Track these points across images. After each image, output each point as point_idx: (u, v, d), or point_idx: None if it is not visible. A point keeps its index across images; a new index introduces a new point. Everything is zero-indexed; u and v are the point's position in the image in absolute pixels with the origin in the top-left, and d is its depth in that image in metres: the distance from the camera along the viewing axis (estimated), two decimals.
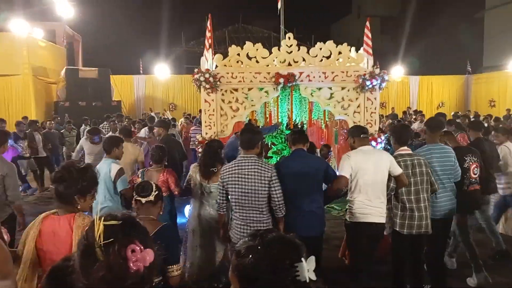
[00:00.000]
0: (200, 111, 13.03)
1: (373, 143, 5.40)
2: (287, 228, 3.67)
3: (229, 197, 3.71)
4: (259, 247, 1.19)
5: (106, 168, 4.39)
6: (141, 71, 21.07)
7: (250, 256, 1.17)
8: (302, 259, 1.16)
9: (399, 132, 4.22)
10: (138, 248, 1.08)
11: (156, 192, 2.84)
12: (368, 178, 3.78)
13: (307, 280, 1.15)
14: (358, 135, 4.04)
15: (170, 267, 2.56)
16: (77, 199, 2.33)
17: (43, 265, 2.23)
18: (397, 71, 20.25)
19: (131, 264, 1.06)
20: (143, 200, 2.79)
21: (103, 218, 1.14)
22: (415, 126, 11.13)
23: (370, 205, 3.80)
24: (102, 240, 1.08)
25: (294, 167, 3.82)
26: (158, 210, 2.86)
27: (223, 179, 3.65)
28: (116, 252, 1.07)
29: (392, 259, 4.10)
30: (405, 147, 4.08)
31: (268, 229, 1.35)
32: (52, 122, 11.64)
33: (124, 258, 1.07)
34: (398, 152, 4.04)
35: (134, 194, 2.84)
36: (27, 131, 9.21)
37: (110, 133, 8.72)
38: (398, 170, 3.80)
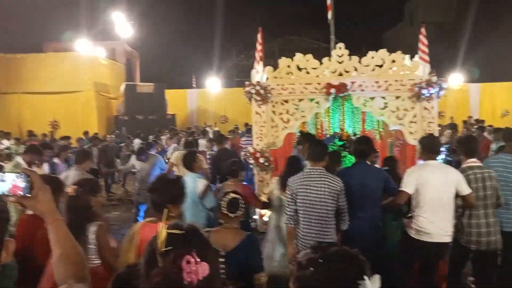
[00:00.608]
0: (246, 124, 13.27)
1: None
2: (346, 239, 3.62)
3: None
4: (320, 260, 1.16)
5: (192, 184, 4.45)
6: (194, 85, 21.78)
7: (311, 268, 1.15)
8: (365, 277, 1.11)
9: (467, 143, 4.05)
10: (193, 260, 1.08)
11: (244, 207, 3.00)
12: (434, 195, 3.58)
13: None
14: (428, 149, 3.82)
15: (256, 275, 2.73)
16: (170, 207, 2.55)
17: None
18: (456, 79, 19.26)
19: (185, 275, 1.07)
20: (232, 215, 2.91)
21: (167, 226, 1.17)
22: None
23: (434, 223, 3.58)
24: (163, 248, 1.11)
25: (355, 179, 3.76)
26: (239, 219, 3.01)
27: (292, 190, 3.66)
28: (172, 260, 1.09)
29: (450, 272, 3.90)
30: (474, 159, 3.89)
31: (331, 242, 1.32)
32: (113, 136, 12.30)
33: (179, 268, 1.08)
34: (467, 164, 3.85)
35: (222, 208, 2.95)
36: (87, 146, 9.81)
37: (174, 146, 9.08)
38: (466, 190, 3.59)
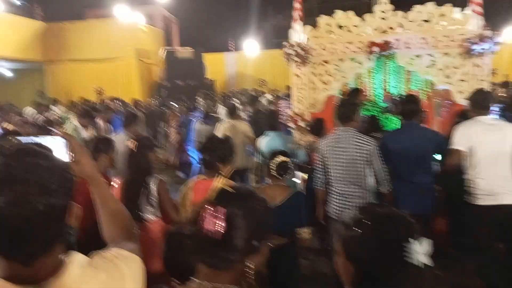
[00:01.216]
0: (288, 87, 13.06)
1: None
2: (396, 205, 3.51)
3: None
4: (368, 222, 1.16)
5: (279, 141, 4.67)
6: (231, 48, 21.59)
7: (359, 230, 1.15)
8: (412, 240, 1.09)
9: None
10: (213, 214, 1.13)
11: (292, 168, 3.21)
12: (490, 152, 3.30)
13: (418, 263, 1.08)
14: (478, 105, 3.51)
15: (298, 229, 2.90)
16: (218, 165, 2.76)
17: None
18: (510, 33, 17.76)
19: (204, 224, 1.14)
20: (281, 178, 3.09)
21: (225, 183, 1.27)
22: None
23: (495, 183, 3.29)
24: (212, 198, 1.20)
25: (403, 141, 3.60)
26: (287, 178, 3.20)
27: (321, 153, 3.60)
28: (203, 205, 1.19)
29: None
30: None
31: (381, 204, 1.30)
32: (156, 101, 12.59)
33: (203, 217, 1.16)
34: None
35: (271, 171, 3.07)
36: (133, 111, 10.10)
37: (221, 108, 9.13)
38: None
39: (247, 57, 20.55)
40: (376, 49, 5.07)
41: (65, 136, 1.26)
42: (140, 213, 2.91)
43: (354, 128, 3.50)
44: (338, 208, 3.51)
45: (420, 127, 3.73)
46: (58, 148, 1.19)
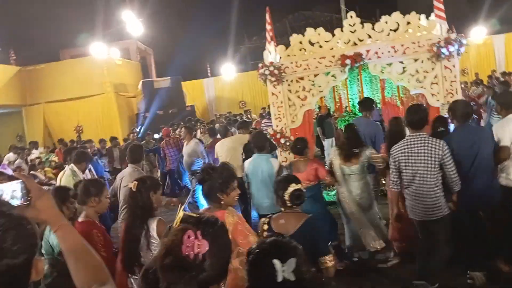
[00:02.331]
0: (264, 108, 13.20)
1: None
2: (464, 202, 3.69)
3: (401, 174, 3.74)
4: (253, 250, 1.35)
5: (267, 164, 4.62)
6: (209, 74, 21.78)
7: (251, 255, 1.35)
8: (276, 260, 1.26)
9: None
10: (193, 236, 1.16)
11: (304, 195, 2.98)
12: None
13: (281, 279, 1.25)
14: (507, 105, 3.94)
15: (321, 258, 2.67)
16: (219, 195, 2.64)
17: None
18: (478, 33, 18.39)
19: (183, 247, 1.15)
20: (296, 207, 2.92)
21: (183, 209, 1.30)
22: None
23: None
24: (176, 224, 1.23)
25: (464, 142, 3.77)
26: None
27: (394, 158, 3.72)
28: (175, 233, 1.19)
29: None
30: None
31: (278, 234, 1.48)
32: (134, 134, 12.48)
33: (180, 241, 1.16)
34: None
35: (285, 200, 2.90)
36: (107, 148, 10.07)
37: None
38: None
39: (225, 80, 20.75)
40: (348, 61, 5.17)
41: (22, 177, 1.22)
42: (141, 258, 2.78)
43: (425, 133, 3.67)
44: (413, 209, 3.70)
45: (475, 127, 3.96)
46: (18, 193, 1.15)
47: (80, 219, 3.06)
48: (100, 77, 16.38)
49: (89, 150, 8.76)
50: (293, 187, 2.87)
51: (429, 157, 3.52)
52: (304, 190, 2.95)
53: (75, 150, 6.03)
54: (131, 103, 18.48)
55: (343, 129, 4.63)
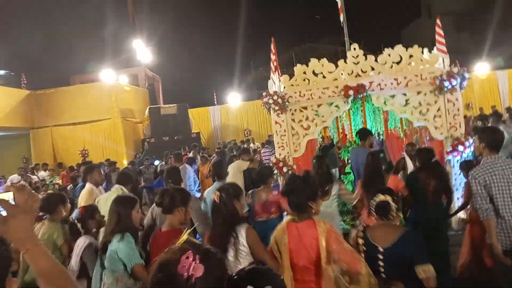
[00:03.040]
0: (269, 136, 13.31)
1: (460, 147, 4.98)
2: None
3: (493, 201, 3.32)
4: (232, 277, 1.32)
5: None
6: (215, 102, 22.04)
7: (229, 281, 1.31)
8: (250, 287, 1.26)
9: None
10: (192, 258, 1.17)
11: (396, 206, 2.81)
12: None
13: None
14: None
15: (419, 266, 2.57)
16: (311, 204, 2.59)
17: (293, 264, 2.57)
18: (482, 68, 18.62)
19: (179, 267, 1.16)
20: (383, 220, 2.80)
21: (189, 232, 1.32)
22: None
23: None
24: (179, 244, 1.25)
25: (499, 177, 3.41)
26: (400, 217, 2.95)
27: (480, 182, 3.32)
28: (175, 251, 1.21)
29: None
30: None
31: (257, 263, 1.49)
32: (135, 160, 12.53)
33: (178, 259, 1.18)
34: None
35: (372, 211, 2.83)
36: (106, 172, 10.10)
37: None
38: None
39: (231, 108, 20.96)
40: (351, 92, 5.23)
41: (13, 190, 1.24)
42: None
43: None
44: (506, 237, 3.27)
45: (508, 160, 3.76)
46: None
47: (163, 228, 3.02)
48: (108, 102, 16.64)
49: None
50: (380, 197, 2.75)
51: None
52: (392, 203, 2.75)
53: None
54: (137, 129, 18.67)
55: (345, 158, 4.56)
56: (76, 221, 3.59)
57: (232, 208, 2.83)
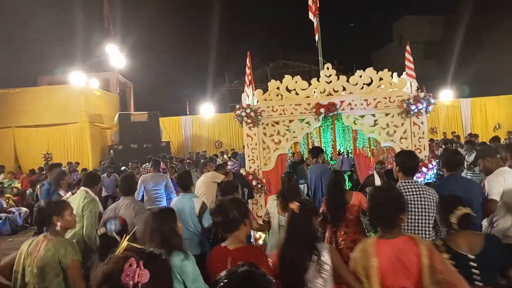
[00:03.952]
0: (232, 149, 13.39)
1: (424, 169, 5.15)
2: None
3: None
4: (222, 277, 1.31)
5: (188, 203, 4.40)
6: (187, 112, 21.90)
7: (215, 286, 1.30)
8: None
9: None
10: (135, 265, 1.14)
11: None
12: None
13: None
14: (494, 155, 4.05)
15: (509, 270, 2.57)
16: (402, 217, 2.40)
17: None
18: (446, 95, 19.54)
19: (123, 276, 1.13)
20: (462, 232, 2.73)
21: (127, 238, 1.27)
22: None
23: None
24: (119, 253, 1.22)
25: (456, 191, 3.53)
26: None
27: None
28: (117, 260, 1.18)
29: None
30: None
31: (247, 263, 1.37)
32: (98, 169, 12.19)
33: (121, 268, 1.15)
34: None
35: (453, 224, 2.71)
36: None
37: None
38: None
39: (203, 120, 20.88)
40: (322, 110, 5.33)
41: None
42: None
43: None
44: None
45: (465, 178, 3.93)
46: None
47: (230, 246, 2.61)
48: (77, 106, 16.19)
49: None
50: (461, 210, 2.67)
51: (428, 203, 3.28)
52: (472, 213, 2.72)
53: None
54: (105, 135, 18.21)
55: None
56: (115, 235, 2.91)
57: (311, 225, 2.69)
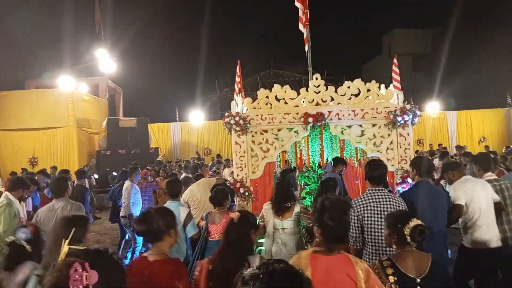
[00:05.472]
0: (218, 155, 13.31)
1: (409, 179, 5.22)
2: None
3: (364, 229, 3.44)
4: (261, 276, 1.16)
5: (175, 211, 4.33)
6: (177, 119, 21.85)
7: (251, 283, 1.15)
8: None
9: (483, 159, 4.75)
10: (81, 268, 1.11)
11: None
12: (483, 204, 4.04)
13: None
14: (457, 167, 4.37)
15: None
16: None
17: None
18: (433, 107, 19.87)
19: (71, 282, 1.11)
20: (414, 244, 2.64)
21: (68, 242, 1.24)
22: (436, 162, 10.36)
23: (489, 231, 4.01)
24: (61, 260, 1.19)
25: (426, 197, 3.74)
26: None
27: (358, 212, 3.45)
28: (60, 268, 1.15)
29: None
30: (490, 173, 4.55)
31: (278, 260, 1.28)
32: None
33: (66, 276, 1.12)
34: (486, 178, 4.45)
35: (406, 236, 2.59)
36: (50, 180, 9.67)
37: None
38: (497, 197, 4.19)
39: (193, 126, 20.85)
40: (311, 119, 5.39)
41: None
42: None
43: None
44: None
45: (434, 185, 4.12)
46: None
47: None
48: (64, 110, 16.05)
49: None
50: (414, 221, 2.57)
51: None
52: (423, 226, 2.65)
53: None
54: (93, 140, 18.05)
55: (302, 183, 4.66)
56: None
57: (249, 237, 2.73)
